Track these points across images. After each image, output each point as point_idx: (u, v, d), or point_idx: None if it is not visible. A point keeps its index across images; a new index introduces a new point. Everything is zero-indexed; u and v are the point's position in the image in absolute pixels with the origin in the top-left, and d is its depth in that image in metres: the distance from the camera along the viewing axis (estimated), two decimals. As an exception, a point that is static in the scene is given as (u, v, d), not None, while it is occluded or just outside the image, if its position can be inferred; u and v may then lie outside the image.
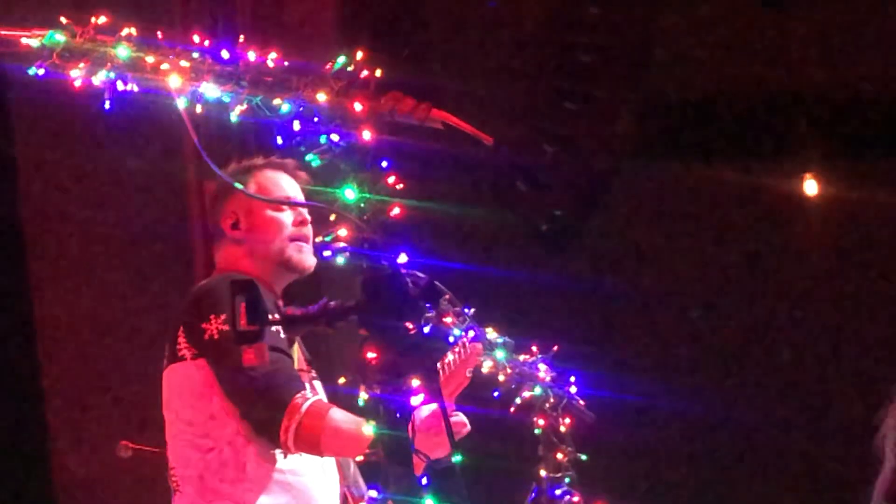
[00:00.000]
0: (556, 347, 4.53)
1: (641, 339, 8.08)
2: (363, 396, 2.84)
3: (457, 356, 3.94)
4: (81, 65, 2.94)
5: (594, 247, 8.04)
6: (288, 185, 4.10)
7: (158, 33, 2.99)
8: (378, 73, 2.97)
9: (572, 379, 4.52)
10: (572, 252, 8.00)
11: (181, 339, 3.89)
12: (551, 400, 4.47)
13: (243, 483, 3.84)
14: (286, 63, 2.99)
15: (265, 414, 3.77)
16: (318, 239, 2.95)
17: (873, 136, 8.06)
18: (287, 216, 4.07)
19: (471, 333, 4.01)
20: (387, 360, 2.80)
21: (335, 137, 2.93)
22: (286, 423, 3.72)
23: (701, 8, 7.94)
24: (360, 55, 2.98)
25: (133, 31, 2.97)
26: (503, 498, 4.72)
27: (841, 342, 8.10)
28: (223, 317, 3.78)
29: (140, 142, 6.69)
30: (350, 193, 2.88)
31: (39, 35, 2.93)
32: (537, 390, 4.45)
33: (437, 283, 2.92)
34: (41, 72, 2.94)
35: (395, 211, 2.88)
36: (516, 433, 4.60)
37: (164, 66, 2.95)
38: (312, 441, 3.73)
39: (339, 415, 3.71)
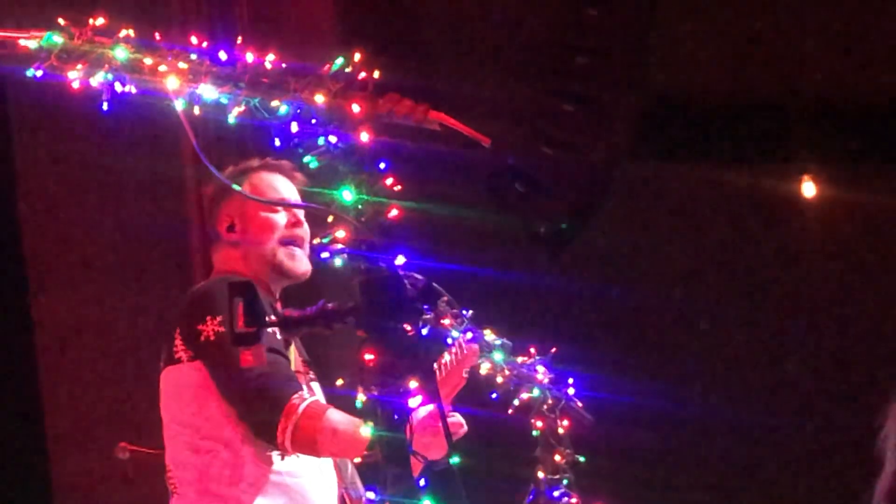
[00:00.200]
0: (554, 349, 4.53)
1: (640, 341, 8.08)
2: (361, 398, 2.84)
3: (453, 356, 3.94)
4: (79, 66, 2.94)
5: (592, 249, 8.04)
6: (283, 187, 4.10)
7: (156, 35, 2.99)
8: (376, 74, 2.97)
9: (570, 381, 4.52)
10: (570, 254, 8.00)
11: (178, 342, 3.89)
12: (549, 402, 4.48)
13: (241, 484, 3.84)
14: (284, 65, 2.99)
15: (262, 415, 3.77)
16: (316, 241, 2.95)
17: (872, 138, 8.07)
18: (280, 217, 4.07)
19: (469, 335, 4.01)
20: (385, 362, 2.80)
21: (333, 139, 2.93)
22: (283, 424, 3.72)
23: (699, 9, 7.95)
24: (357, 57, 2.98)
25: (131, 32, 2.97)
26: (501, 499, 4.72)
27: (841, 342, 8.11)
28: (219, 318, 3.79)
29: (138, 143, 6.69)
30: (348, 195, 2.88)
31: (37, 36, 2.93)
32: (535, 392, 4.46)
33: (435, 284, 2.92)
34: (39, 73, 2.94)
35: (393, 212, 2.88)
36: (514, 435, 4.60)
37: (162, 68, 2.95)
38: (310, 442, 3.73)
39: (336, 415, 3.71)
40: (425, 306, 2.85)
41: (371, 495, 2.85)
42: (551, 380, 4.49)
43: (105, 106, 2.96)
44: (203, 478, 3.86)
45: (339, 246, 2.88)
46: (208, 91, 2.97)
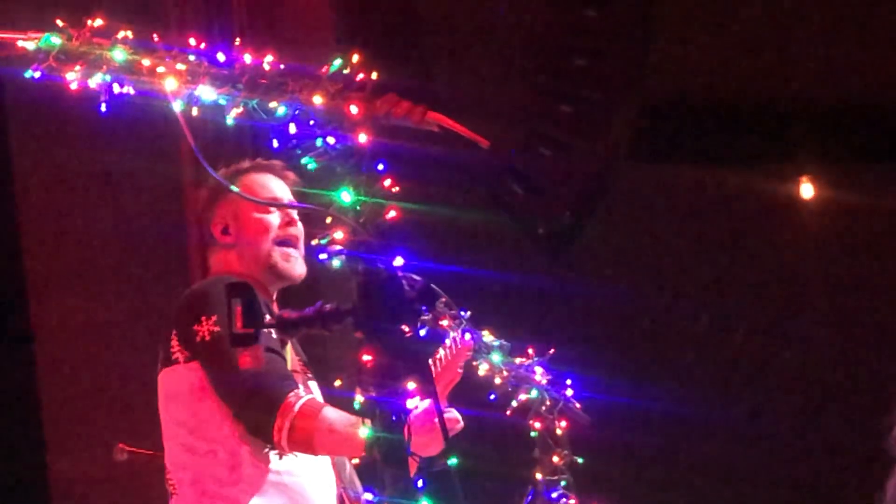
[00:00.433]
0: (552, 350, 4.53)
1: (638, 342, 8.08)
2: (359, 399, 2.84)
3: (448, 351, 3.95)
4: (77, 67, 2.93)
5: (590, 250, 8.05)
6: (275, 187, 4.11)
7: (154, 36, 2.99)
8: (374, 75, 2.97)
9: (568, 382, 4.52)
10: (568, 255, 8.00)
11: (174, 343, 3.89)
12: (547, 403, 4.48)
13: (239, 485, 3.84)
14: (282, 66, 2.99)
15: (258, 414, 3.77)
16: (314, 242, 2.95)
17: (870, 139, 8.07)
18: (273, 218, 4.07)
19: (467, 336, 4.01)
20: (382, 363, 2.80)
21: (331, 140, 2.93)
22: (279, 423, 3.72)
23: (697, 11, 7.95)
24: (355, 58, 2.98)
25: (129, 33, 2.97)
26: (499, 501, 4.72)
27: (841, 343, 8.11)
28: (214, 318, 3.79)
29: (136, 145, 6.69)
30: (346, 196, 2.88)
31: (35, 38, 2.93)
32: (533, 393, 4.45)
33: (433, 285, 2.92)
34: (37, 74, 2.94)
35: (392, 214, 2.88)
36: (512, 436, 4.60)
37: (160, 69, 2.95)
38: (306, 440, 3.73)
39: (332, 414, 3.71)
40: (423, 307, 2.85)
41: (369, 496, 2.85)
42: (549, 381, 4.49)
43: (103, 107, 2.96)
44: (201, 478, 3.86)
45: (338, 247, 2.89)
46: (206, 92, 2.97)
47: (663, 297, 8.09)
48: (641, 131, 7.89)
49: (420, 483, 2.82)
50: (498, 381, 4.32)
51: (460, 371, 3.99)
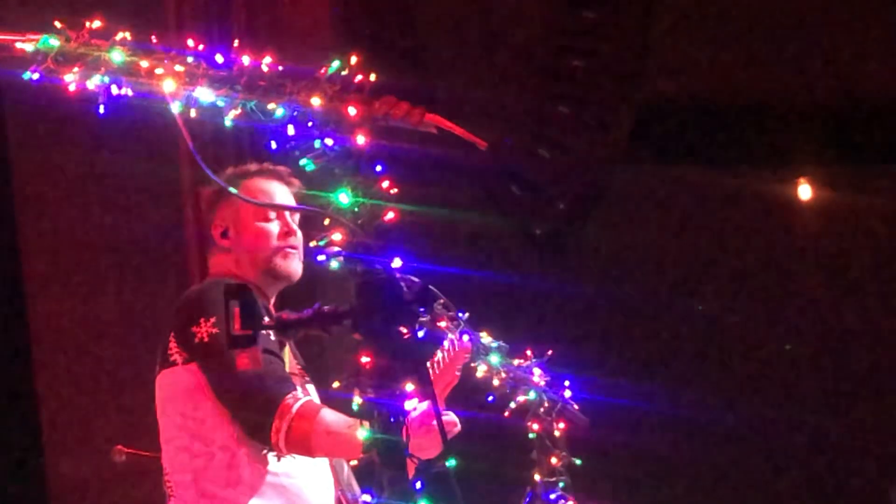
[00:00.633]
0: (550, 352, 4.53)
1: (636, 343, 8.09)
2: (357, 401, 2.84)
3: (446, 353, 3.94)
4: (76, 69, 2.93)
5: (588, 251, 8.05)
6: (279, 193, 4.10)
7: (153, 38, 2.99)
8: (372, 77, 2.97)
9: (566, 383, 4.53)
10: (566, 256, 8.00)
11: (172, 344, 3.89)
12: (545, 404, 4.48)
13: (237, 486, 3.84)
14: (280, 67, 2.99)
15: (256, 415, 3.77)
16: (312, 243, 2.95)
17: (868, 140, 8.08)
18: (273, 226, 4.07)
19: (465, 338, 4.01)
20: (381, 365, 2.80)
21: (329, 142, 2.93)
22: (277, 424, 3.72)
23: (695, 12, 7.95)
24: (354, 60, 2.98)
25: (127, 35, 2.97)
26: (497, 503, 4.72)
27: (840, 343, 8.11)
28: (213, 320, 3.79)
29: (134, 146, 6.68)
30: (344, 198, 2.89)
31: (34, 39, 2.93)
32: (532, 395, 4.46)
33: (431, 287, 2.92)
34: (36, 76, 2.93)
35: (390, 215, 2.88)
36: (510, 438, 4.60)
37: (159, 71, 2.95)
38: (304, 442, 3.73)
39: (330, 415, 3.71)
40: (421, 309, 2.85)
41: (367, 498, 2.85)
42: (547, 382, 4.49)
43: (101, 109, 2.96)
44: (200, 480, 3.86)
45: (336, 249, 2.89)
46: (205, 94, 2.97)
47: (661, 298, 8.09)
48: (639, 132, 7.89)
49: (418, 485, 2.82)
50: (496, 382, 4.32)
51: (458, 373, 3.98)
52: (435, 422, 3.18)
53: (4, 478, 6.79)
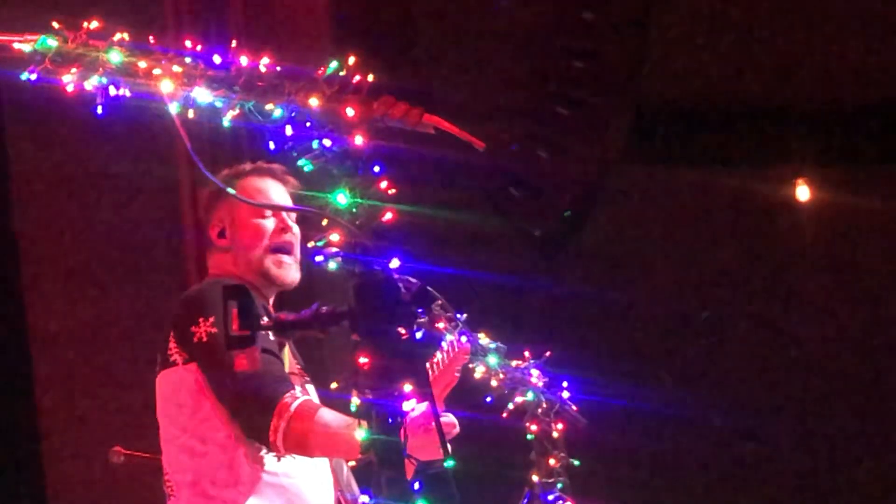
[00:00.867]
0: (548, 353, 4.53)
1: (634, 344, 8.08)
2: (355, 401, 2.84)
3: (445, 355, 3.94)
4: (73, 70, 2.93)
5: (587, 252, 8.05)
6: (274, 191, 4.10)
7: (151, 38, 2.99)
8: (370, 78, 2.97)
9: (565, 384, 4.53)
10: (565, 257, 8.00)
11: (172, 345, 3.89)
12: (544, 405, 4.48)
13: (237, 486, 3.84)
14: (278, 68, 2.99)
15: (254, 415, 3.76)
16: (311, 244, 2.95)
17: (866, 141, 8.08)
18: (269, 223, 4.07)
19: (463, 339, 4.01)
20: (379, 366, 2.80)
21: (327, 142, 2.93)
22: (275, 424, 3.71)
23: (694, 13, 7.96)
24: (352, 60, 2.98)
25: (125, 35, 2.96)
26: (496, 503, 4.72)
27: (840, 344, 8.11)
28: (211, 319, 3.79)
29: (132, 147, 6.69)
30: (342, 198, 2.88)
31: (31, 40, 2.93)
32: (530, 395, 4.46)
33: (429, 288, 2.92)
34: (33, 77, 2.93)
35: (388, 216, 2.88)
36: (509, 438, 4.60)
37: (157, 71, 2.95)
38: (302, 441, 3.72)
39: (328, 415, 3.70)
40: (419, 310, 2.85)
41: (365, 499, 2.85)
42: (546, 383, 4.49)
43: (99, 109, 2.96)
44: (199, 480, 3.86)
45: (334, 249, 2.89)
46: (203, 94, 2.97)
47: (659, 299, 8.09)
48: (637, 133, 7.89)
49: (417, 485, 2.82)
50: (494, 383, 4.33)
51: (457, 374, 3.98)
52: (434, 423, 3.18)
53: (4, 478, 6.79)
